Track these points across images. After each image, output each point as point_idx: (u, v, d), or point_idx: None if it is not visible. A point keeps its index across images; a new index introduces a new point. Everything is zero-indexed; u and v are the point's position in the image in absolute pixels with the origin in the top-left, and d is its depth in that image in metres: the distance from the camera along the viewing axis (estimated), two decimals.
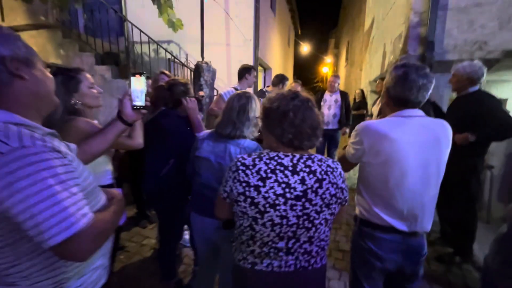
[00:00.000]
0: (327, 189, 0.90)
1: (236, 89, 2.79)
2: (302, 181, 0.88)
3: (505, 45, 2.55)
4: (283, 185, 0.87)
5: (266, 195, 0.87)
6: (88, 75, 1.40)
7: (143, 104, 1.01)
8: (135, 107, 1.00)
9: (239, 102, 1.33)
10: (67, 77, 1.29)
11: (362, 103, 5.82)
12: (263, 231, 0.90)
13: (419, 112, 1.15)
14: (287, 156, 0.91)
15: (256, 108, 1.37)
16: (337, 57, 15.41)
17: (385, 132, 1.10)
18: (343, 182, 0.95)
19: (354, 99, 6.00)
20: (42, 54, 4.08)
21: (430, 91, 1.13)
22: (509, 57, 2.61)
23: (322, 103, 4.13)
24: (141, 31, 4.16)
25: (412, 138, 1.10)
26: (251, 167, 0.89)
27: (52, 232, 0.57)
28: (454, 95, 2.40)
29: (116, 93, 4.09)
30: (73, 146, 0.91)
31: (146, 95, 1.01)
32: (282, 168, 0.89)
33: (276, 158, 0.90)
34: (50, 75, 0.74)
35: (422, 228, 1.16)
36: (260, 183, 0.87)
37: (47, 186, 0.58)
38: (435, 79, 2.88)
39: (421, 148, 1.10)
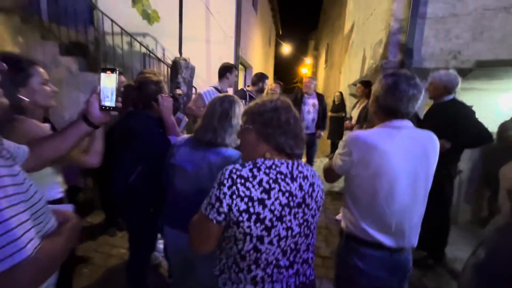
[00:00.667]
0: (318, 192, 0.90)
1: (216, 88, 2.65)
2: (300, 187, 0.85)
3: (477, 56, 2.66)
4: (287, 194, 0.82)
5: (273, 207, 0.80)
6: (42, 70, 1.20)
7: (113, 105, 0.88)
8: (104, 108, 0.87)
9: (222, 107, 1.21)
10: (15, 68, 1.09)
11: (340, 105, 5.91)
12: (270, 249, 0.81)
13: (408, 123, 1.11)
14: (282, 163, 0.85)
15: (240, 112, 1.25)
16: (316, 58, 15.68)
17: (375, 143, 1.06)
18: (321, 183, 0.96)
19: (334, 101, 6.07)
20: None
21: (420, 101, 1.10)
22: (480, 67, 2.73)
23: (302, 106, 4.09)
24: (112, 21, 3.85)
25: (402, 150, 1.07)
26: (251, 179, 0.79)
27: None
28: (430, 102, 2.46)
29: (84, 88, 3.75)
30: (23, 149, 0.77)
31: (118, 94, 0.88)
32: (282, 177, 0.83)
33: (273, 166, 0.83)
34: None
35: (410, 243, 1.14)
36: (265, 196, 0.79)
37: None
38: None
39: (411, 160, 1.07)
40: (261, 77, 3.21)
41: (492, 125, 4.49)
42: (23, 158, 0.80)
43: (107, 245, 2.49)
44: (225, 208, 0.78)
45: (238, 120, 1.23)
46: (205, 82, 4.97)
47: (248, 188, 0.78)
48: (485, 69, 2.87)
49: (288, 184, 0.83)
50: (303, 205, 0.85)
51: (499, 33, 2.57)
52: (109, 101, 0.87)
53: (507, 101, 4.79)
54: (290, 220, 0.82)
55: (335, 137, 6.23)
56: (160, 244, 2.28)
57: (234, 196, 0.77)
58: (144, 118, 1.54)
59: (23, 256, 0.50)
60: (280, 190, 0.81)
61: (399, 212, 1.08)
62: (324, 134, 6.76)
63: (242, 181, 0.78)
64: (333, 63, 9.09)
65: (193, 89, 4.03)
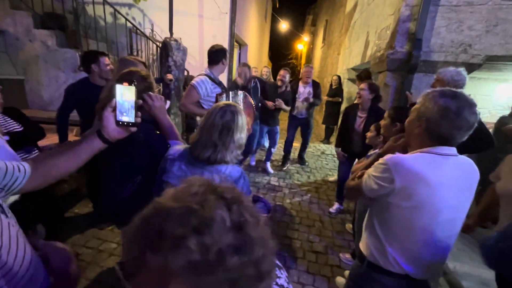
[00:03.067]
0: None
1: (209, 77, 2.30)
2: None
3: (488, 50, 2.52)
4: None
5: None
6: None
7: (133, 121, 0.79)
8: (121, 123, 0.79)
9: (223, 119, 1.05)
10: None
11: (338, 90, 5.74)
12: None
13: (454, 150, 0.99)
14: None
15: (244, 124, 1.11)
16: (313, 35, 15.04)
17: (422, 174, 0.94)
18: None
19: (331, 85, 5.88)
20: None
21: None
22: (491, 61, 2.60)
23: (296, 95, 3.97)
24: None
25: (450, 182, 0.96)
26: None
27: None
28: None
29: (64, 66, 3.43)
30: (24, 168, 0.70)
31: (137, 109, 0.79)
32: None
33: None
34: None
35: (434, 275, 1.08)
36: None
37: None
38: (418, 79, 2.79)
39: (456, 193, 0.98)
40: (243, 69, 3.21)
41: (487, 116, 4.51)
42: (24, 179, 0.70)
43: (96, 239, 2.40)
44: None
45: (241, 133, 1.09)
46: (197, 62, 4.65)
47: None
48: (492, 62, 2.76)
49: None
50: None
51: None
52: (127, 116, 0.79)
53: (505, 91, 4.75)
54: None
55: (330, 122, 6.14)
56: None
57: None
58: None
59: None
60: None
61: (434, 246, 1.01)
62: (319, 118, 6.65)
63: None
64: (331, 42, 8.71)
65: (185, 72, 3.75)
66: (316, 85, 4.03)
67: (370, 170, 1.07)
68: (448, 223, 1.01)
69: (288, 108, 3.79)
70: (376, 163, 1.05)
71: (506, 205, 1.47)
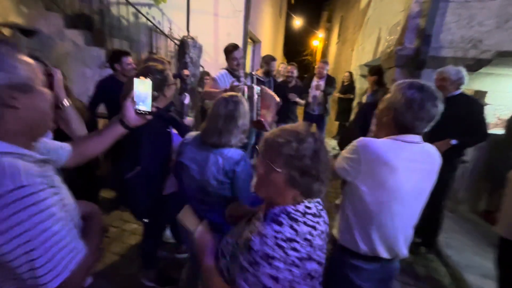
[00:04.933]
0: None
1: (228, 70, 2.60)
2: (324, 221, 0.80)
3: (499, 46, 2.52)
4: (323, 235, 0.77)
5: (317, 257, 0.73)
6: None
7: (149, 110, 0.94)
8: (138, 112, 0.94)
9: (226, 108, 1.21)
10: None
11: (349, 87, 5.75)
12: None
13: (419, 138, 1.07)
14: (311, 205, 0.79)
15: (246, 112, 1.26)
16: (329, 31, 14.87)
17: (386, 158, 1.00)
18: None
19: (343, 82, 5.90)
20: (0, 11, 3.54)
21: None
22: (501, 57, 2.61)
23: (309, 89, 4.07)
24: None
25: (412, 167, 1.04)
26: (297, 238, 0.71)
27: (49, 276, 0.57)
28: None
29: (90, 63, 3.72)
30: (66, 148, 0.88)
31: (152, 99, 0.94)
32: (316, 219, 0.76)
33: (308, 210, 0.77)
34: (48, 95, 0.69)
35: (402, 254, 1.14)
36: (311, 250, 0.72)
37: (46, 228, 0.57)
38: (426, 75, 2.84)
39: (418, 176, 1.06)
40: (268, 60, 3.21)
41: (506, 113, 4.41)
42: (65, 157, 0.88)
43: (120, 220, 2.66)
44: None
45: (243, 120, 1.24)
46: (212, 59, 4.85)
47: (297, 250, 0.69)
48: (504, 58, 2.75)
49: (319, 224, 0.77)
50: (326, 239, 0.81)
51: None
52: (144, 105, 0.93)
53: None
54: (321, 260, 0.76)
55: (343, 118, 6.17)
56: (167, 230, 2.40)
57: (288, 264, 0.68)
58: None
59: (71, 268, 0.61)
60: (319, 235, 0.75)
61: (400, 226, 1.08)
62: (332, 115, 6.71)
63: (291, 244, 0.69)
64: (345, 39, 8.65)
65: (200, 68, 3.96)
66: (330, 80, 4.09)
67: (343, 151, 1.13)
68: (412, 205, 1.08)
69: (302, 102, 3.85)
70: (349, 145, 1.12)
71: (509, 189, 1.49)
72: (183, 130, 1.71)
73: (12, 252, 0.54)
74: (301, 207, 0.76)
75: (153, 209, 1.66)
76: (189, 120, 2.17)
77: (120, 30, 4.00)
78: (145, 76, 0.93)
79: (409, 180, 1.04)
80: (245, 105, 1.27)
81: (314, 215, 0.77)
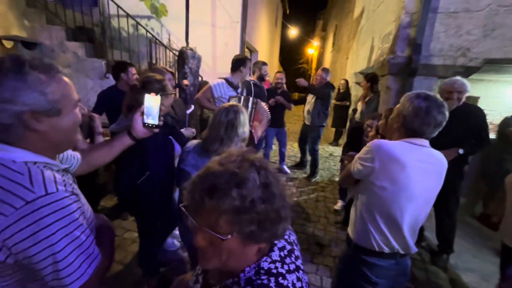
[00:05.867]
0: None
1: (227, 81, 2.62)
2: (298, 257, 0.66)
3: (486, 54, 2.63)
4: (302, 272, 0.63)
5: None
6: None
7: (156, 123, 1.01)
8: (146, 125, 1.00)
9: (227, 117, 1.28)
10: None
11: (345, 94, 5.88)
12: None
13: (427, 143, 1.17)
14: (281, 243, 0.64)
15: (245, 121, 1.33)
16: (324, 40, 15.19)
17: (397, 155, 1.10)
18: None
19: (338, 89, 6.03)
20: (3, 24, 3.63)
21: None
22: (489, 64, 2.71)
23: (307, 97, 4.13)
24: (117, 5, 3.79)
25: (421, 166, 1.12)
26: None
27: (72, 278, 0.61)
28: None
29: (92, 74, 3.80)
30: (77, 157, 0.93)
31: (160, 114, 1.01)
32: (300, 261, 0.64)
33: (283, 253, 0.62)
34: (79, 116, 0.73)
35: (413, 249, 1.21)
36: None
37: (68, 233, 0.61)
38: (418, 82, 2.92)
39: (427, 177, 1.14)
40: (260, 66, 3.38)
41: (498, 118, 4.53)
42: (77, 165, 0.93)
43: (121, 228, 2.68)
44: None
45: (243, 128, 1.32)
46: (210, 68, 4.96)
47: None
48: (493, 65, 2.86)
49: (295, 252, 0.65)
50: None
51: (511, 31, 2.53)
52: (152, 119, 1.00)
53: None
54: None
55: (339, 125, 6.28)
56: (176, 230, 2.42)
57: None
58: None
59: (91, 271, 0.66)
60: (303, 276, 0.62)
61: (409, 222, 1.16)
62: (328, 122, 6.78)
63: None
64: (340, 47, 8.86)
65: (199, 78, 4.05)
66: (327, 87, 3.91)
67: (358, 155, 1.23)
68: (423, 205, 1.16)
69: (290, 105, 3.99)
70: (363, 148, 1.23)
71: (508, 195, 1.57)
72: (181, 138, 1.78)
73: (37, 255, 0.58)
74: (275, 255, 0.60)
75: (164, 213, 1.70)
76: (191, 130, 2.22)
77: (120, 42, 4.10)
78: (156, 93, 1.00)
79: (418, 179, 1.12)
80: (245, 114, 1.35)
81: (289, 251, 0.63)
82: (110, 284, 1.99)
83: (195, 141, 1.43)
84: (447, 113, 1.12)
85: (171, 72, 2.23)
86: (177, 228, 2.49)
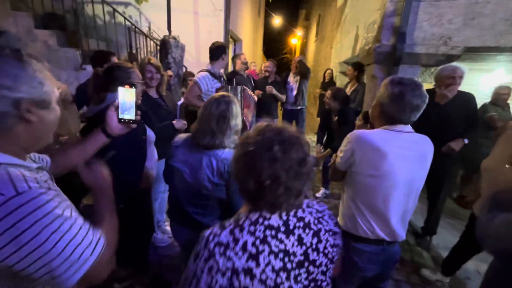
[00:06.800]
0: (327, 240, 0.72)
1: (210, 72, 2.51)
2: (300, 241, 0.68)
3: (466, 42, 2.71)
4: (281, 255, 0.65)
5: (264, 276, 0.62)
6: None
7: (133, 118, 0.93)
8: (122, 120, 0.92)
9: (218, 109, 1.19)
10: None
11: (330, 83, 5.91)
12: None
13: (409, 128, 1.17)
14: (272, 213, 0.68)
15: (238, 112, 1.25)
16: (307, 29, 15.14)
17: (377, 144, 1.11)
18: (335, 224, 0.76)
19: (324, 79, 6.06)
20: None
21: (422, 110, 1.14)
22: (469, 52, 2.80)
23: (287, 85, 4.19)
24: None
25: (402, 153, 1.12)
26: (231, 244, 0.63)
27: (69, 273, 0.57)
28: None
29: (66, 65, 3.54)
30: (46, 159, 0.86)
31: (137, 108, 0.93)
32: (273, 232, 0.66)
33: (260, 220, 0.67)
34: (58, 112, 0.70)
35: (401, 237, 1.23)
36: (252, 264, 0.62)
37: (55, 230, 0.56)
38: (403, 70, 2.98)
39: (409, 163, 1.13)
40: (234, 57, 3.34)
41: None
42: (46, 168, 0.84)
43: None
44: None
45: (236, 120, 1.24)
46: (194, 58, 4.78)
47: (229, 258, 0.62)
48: (471, 53, 2.96)
49: (281, 241, 0.66)
50: (306, 263, 0.68)
51: (489, 20, 2.61)
52: (128, 114, 0.91)
53: (489, 81, 4.98)
54: (290, 287, 0.65)
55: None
56: (159, 235, 2.36)
57: (213, 272, 0.61)
58: None
59: (92, 260, 0.61)
60: (271, 252, 0.64)
61: (396, 210, 1.17)
62: (314, 112, 6.84)
63: (222, 249, 0.62)
64: (324, 37, 8.86)
65: (184, 68, 3.89)
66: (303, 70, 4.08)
67: (340, 148, 1.24)
68: (405, 191, 1.15)
69: (283, 97, 3.93)
70: (344, 140, 1.23)
71: (487, 181, 1.62)
72: (152, 124, 1.71)
73: (24, 260, 0.53)
74: (255, 215, 0.68)
75: (132, 197, 1.58)
76: (182, 121, 2.12)
77: (96, 30, 3.84)
78: (131, 85, 0.90)
79: (400, 166, 1.12)
80: (237, 105, 1.26)
81: (270, 227, 0.67)
82: (97, 286, 1.91)
83: (183, 135, 1.34)
84: (424, 94, 1.10)
85: (158, 67, 2.09)
86: (168, 224, 2.44)
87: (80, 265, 0.59)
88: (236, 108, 1.25)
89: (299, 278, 0.66)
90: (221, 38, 5.04)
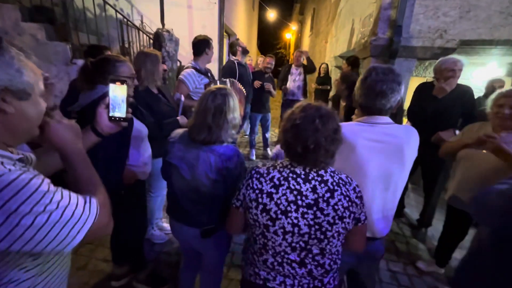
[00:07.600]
0: (339, 200, 0.87)
1: (195, 68, 2.39)
2: (314, 190, 0.88)
3: (462, 35, 2.72)
4: (295, 192, 0.88)
5: (279, 201, 0.88)
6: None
7: (124, 116, 0.87)
8: (113, 118, 0.87)
9: (214, 102, 1.14)
10: None
11: (326, 78, 5.90)
12: (275, 239, 0.91)
13: (386, 119, 1.11)
14: (300, 165, 0.92)
15: (235, 105, 1.20)
16: (301, 24, 15.06)
17: (346, 136, 1.04)
18: (358, 197, 0.91)
19: (319, 73, 6.04)
20: None
21: (396, 96, 1.07)
22: (464, 45, 2.81)
23: (289, 75, 4.37)
24: None
25: (371, 145, 1.06)
26: (265, 175, 0.92)
27: (62, 246, 0.58)
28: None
29: (55, 59, 3.44)
30: (31, 156, 0.80)
31: (128, 105, 0.88)
32: (294, 176, 0.90)
33: (289, 166, 0.92)
34: (43, 106, 0.67)
35: (380, 233, 1.17)
36: (273, 190, 0.89)
37: (42, 210, 0.54)
38: (399, 63, 2.97)
39: (381, 155, 1.07)
40: (232, 44, 3.31)
41: None
42: (32, 164, 0.80)
43: None
44: (240, 197, 0.96)
45: (233, 113, 1.19)
46: (187, 52, 4.69)
47: (260, 183, 0.91)
48: (466, 46, 2.98)
49: (298, 183, 0.88)
50: (314, 208, 0.86)
51: (484, 13, 2.62)
52: (119, 111, 0.86)
53: (482, 74, 5.03)
54: (296, 218, 0.86)
55: None
56: (155, 231, 2.33)
57: (249, 188, 0.93)
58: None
59: (91, 222, 0.61)
60: (288, 187, 0.88)
61: (373, 206, 1.11)
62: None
63: (258, 176, 0.93)
64: (319, 31, 8.82)
65: (178, 63, 3.82)
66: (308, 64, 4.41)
67: None
68: (381, 185, 1.09)
69: (274, 93, 4.04)
70: None
71: (463, 167, 1.68)
72: (143, 117, 1.66)
73: (17, 242, 0.52)
74: (287, 162, 0.95)
75: (124, 194, 1.50)
76: (184, 118, 2.06)
77: (86, 23, 3.72)
78: (122, 82, 0.85)
79: (368, 158, 1.07)
80: (234, 98, 1.21)
81: (294, 172, 0.92)
82: (94, 284, 1.88)
83: (180, 130, 1.30)
84: (393, 81, 1.04)
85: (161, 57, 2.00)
86: (165, 221, 2.42)
87: (72, 237, 0.59)
88: (234, 101, 1.20)
89: (305, 216, 0.87)
90: (215, 32, 4.97)
